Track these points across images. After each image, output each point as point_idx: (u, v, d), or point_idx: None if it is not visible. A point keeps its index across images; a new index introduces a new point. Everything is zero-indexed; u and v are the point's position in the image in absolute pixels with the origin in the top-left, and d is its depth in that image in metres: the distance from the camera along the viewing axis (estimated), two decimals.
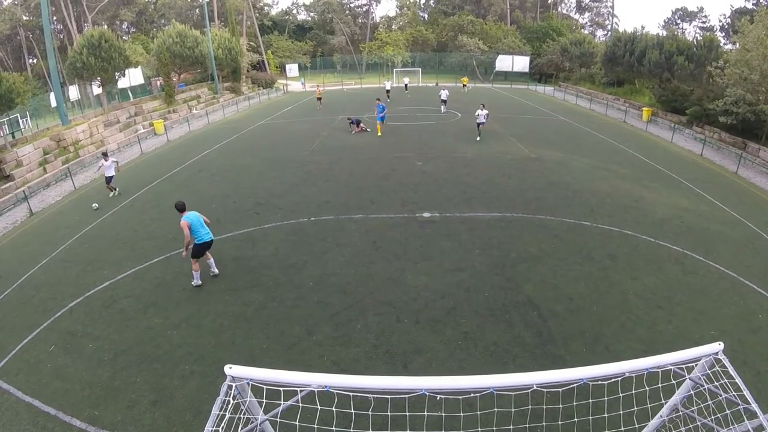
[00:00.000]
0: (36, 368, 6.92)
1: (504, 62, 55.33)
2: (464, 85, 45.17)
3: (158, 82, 36.13)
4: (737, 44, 22.20)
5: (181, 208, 8.88)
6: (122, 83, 31.40)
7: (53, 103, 25.29)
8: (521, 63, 54.86)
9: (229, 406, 2.98)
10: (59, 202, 15.43)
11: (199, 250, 8.76)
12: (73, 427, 5.78)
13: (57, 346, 7.41)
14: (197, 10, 58.94)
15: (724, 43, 34.41)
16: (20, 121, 23.71)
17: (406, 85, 44.45)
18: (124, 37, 51.57)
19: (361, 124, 24.17)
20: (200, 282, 8.99)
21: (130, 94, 32.83)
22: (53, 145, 19.77)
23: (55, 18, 48.15)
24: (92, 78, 27.42)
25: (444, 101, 30.52)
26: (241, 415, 3.20)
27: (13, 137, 20.21)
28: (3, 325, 8.16)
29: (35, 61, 53.90)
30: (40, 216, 14.06)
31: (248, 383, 3.10)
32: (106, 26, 48.77)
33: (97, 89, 30.22)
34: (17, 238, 12.44)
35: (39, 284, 9.53)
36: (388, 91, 38.20)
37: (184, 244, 8.64)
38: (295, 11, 72.63)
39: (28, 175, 17.41)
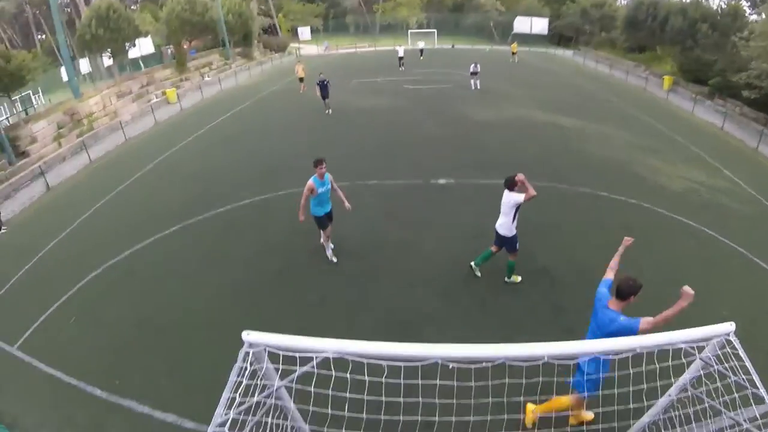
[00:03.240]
0: (57, 340, 7.15)
1: (522, 24, 53.37)
2: (513, 53, 37.35)
3: (169, 51, 35.80)
4: (763, 15, 21.24)
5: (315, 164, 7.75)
6: (133, 53, 31.11)
7: (65, 78, 25.29)
8: (540, 25, 52.86)
9: (247, 372, 3.04)
10: (75, 176, 15.61)
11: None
12: (95, 397, 5.96)
13: (78, 318, 7.63)
14: None
15: (750, 14, 32.96)
16: (32, 97, 23.80)
17: (421, 50, 39.68)
18: (132, 7, 50.84)
19: (327, 100, 19.83)
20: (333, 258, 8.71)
21: (142, 64, 32.58)
22: (67, 119, 19.86)
23: None
24: (102, 50, 27.23)
25: (474, 74, 24.75)
26: (258, 382, 3.28)
27: (27, 114, 20.33)
28: (24, 299, 8.40)
29: (44, 36, 53.49)
30: (57, 190, 14.28)
31: (265, 349, 3.16)
32: None
33: (107, 61, 30.06)
34: (35, 214, 12.67)
35: (58, 258, 9.75)
36: (401, 59, 32.95)
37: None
38: None
39: (43, 150, 17.57)
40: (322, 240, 8.79)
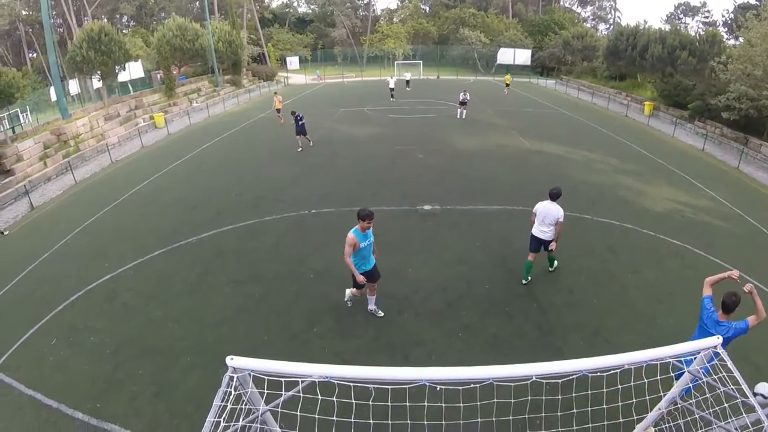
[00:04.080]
0: (38, 362, 6.95)
1: (506, 55, 55.03)
2: (507, 85, 37.79)
3: (158, 76, 36.00)
4: (741, 39, 22.07)
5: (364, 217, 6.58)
6: (122, 77, 31.17)
7: (53, 98, 25.24)
8: (523, 56, 54.57)
9: (231, 397, 3.00)
10: (60, 196, 15.43)
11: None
12: (75, 419, 5.81)
13: (59, 340, 7.44)
14: (197, 3, 58.70)
15: (727, 38, 34.24)
16: (20, 115, 23.67)
17: (407, 81, 39.73)
18: (124, 31, 51.42)
19: (307, 135, 18.68)
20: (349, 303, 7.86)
21: (131, 88, 32.70)
22: (54, 139, 19.72)
23: (54, 12, 47.93)
24: (92, 72, 27.29)
25: (463, 103, 25.08)
26: (243, 406, 3.22)
27: (14, 132, 20.16)
28: (5, 319, 8.19)
29: (35, 55, 53.76)
30: (41, 210, 14.07)
31: (249, 374, 3.12)
32: (105, 20, 48.54)
33: (97, 83, 30.08)
34: (18, 233, 12.45)
35: (40, 278, 9.55)
36: (392, 90, 32.99)
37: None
38: (295, 3, 72.48)
39: (29, 169, 17.37)
40: (350, 293, 7.60)
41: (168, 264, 9.79)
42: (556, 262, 9.02)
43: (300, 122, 18.27)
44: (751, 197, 14.21)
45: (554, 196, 7.94)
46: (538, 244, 8.26)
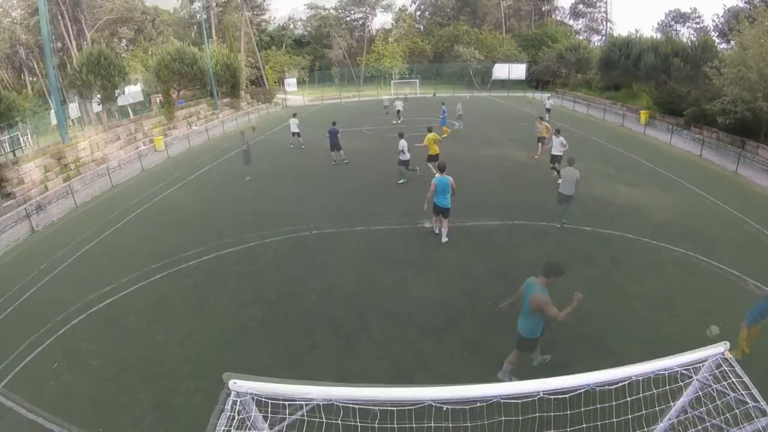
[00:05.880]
0: (39, 386, 6.89)
1: (501, 71, 55.72)
2: (548, 111, 29.99)
3: (158, 99, 36.36)
4: (732, 43, 22.29)
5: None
6: (122, 100, 31.62)
7: (54, 121, 25.48)
8: (518, 71, 55.25)
9: (234, 420, 2.96)
10: (61, 219, 15.44)
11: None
12: None
13: (60, 364, 7.38)
14: (195, 28, 59.52)
15: (719, 43, 34.61)
16: (21, 138, 23.86)
17: (398, 111, 31.43)
18: (122, 55, 52.02)
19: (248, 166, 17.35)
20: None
21: (130, 111, 33.02)
22: (54, 162, 19.84)
23: (54, 36, 48.59)
24: (92, 95, 27.58)
25: (459, 116, 27.71)
26: (246, 431, 3.18)
27: (15, 155, 20.30)
28: (6, 343, 8.11)
29: (35, 79, 54.32)
30: (42, 234, 14.07)
31: (252, 397, 3.09)
32: (104, 44, 49.20)
33: (97, 107, 30.39)
34: (19, 256, 12.43)
35: (41, 302, 9.50)
36: (399, 112, 30.96)
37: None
38: (292, 26, 73.36)
39: (30, 192, 17.45)
40: (508, 368, 6.39)
41: (169, 287, 9.75)
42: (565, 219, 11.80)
43: (246, 151, 16.89)
44: (750, 201, 14.20)
45: (572, 163, 11.45)
46: (564, 198, 11.36)
